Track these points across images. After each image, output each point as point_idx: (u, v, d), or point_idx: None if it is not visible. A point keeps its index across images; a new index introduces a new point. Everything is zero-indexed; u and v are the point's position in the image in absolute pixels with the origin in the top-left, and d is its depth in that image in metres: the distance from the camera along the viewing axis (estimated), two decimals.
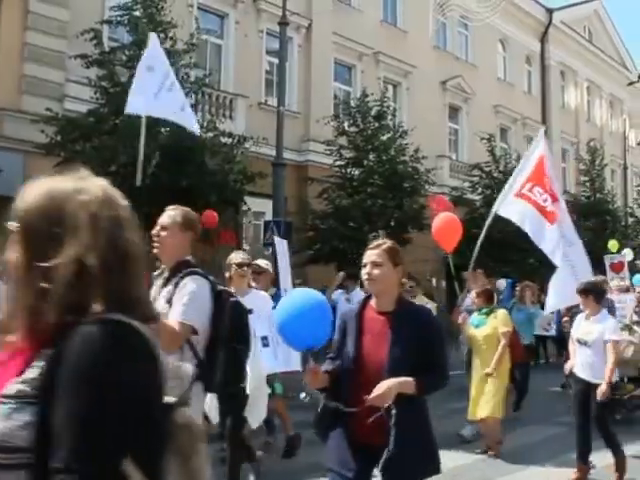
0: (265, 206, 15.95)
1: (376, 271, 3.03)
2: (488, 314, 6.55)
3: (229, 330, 3.32)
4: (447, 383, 3.08)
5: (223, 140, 12.15)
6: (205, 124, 12.12)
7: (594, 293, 5.67)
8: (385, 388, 2.81)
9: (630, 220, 25.28)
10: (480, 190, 19.30)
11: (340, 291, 10.54)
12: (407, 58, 20.96)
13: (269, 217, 14.14)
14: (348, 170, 15.43)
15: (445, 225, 8.34)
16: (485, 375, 6.36)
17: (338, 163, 15.45)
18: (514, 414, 8.39)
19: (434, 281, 19.14)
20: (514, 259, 17.34)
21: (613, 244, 15.22)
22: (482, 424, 6.57)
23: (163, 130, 11.32)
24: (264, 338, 5.65)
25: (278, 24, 14.01)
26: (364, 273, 3.07)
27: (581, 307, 6.07)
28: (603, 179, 23.98)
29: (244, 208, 13.66)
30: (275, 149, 13.53)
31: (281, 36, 13.97)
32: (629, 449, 6.76)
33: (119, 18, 11.66)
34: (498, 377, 6.38)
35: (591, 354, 5.62)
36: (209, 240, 13.32)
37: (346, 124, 15.80)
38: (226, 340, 3.43)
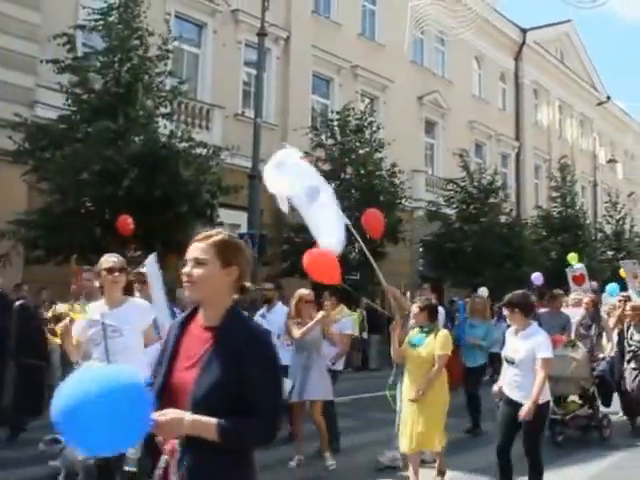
0: (240, 218, 15.68)
1: (197, 271, 2.21)
2: (428, 333, 5.72)
3: (16, 341, 2.85)
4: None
5: (198, 151, 11.87)
6: (180, 134, 11.83)
7: (521, 307, 5.13)
8: (169, 418, 2.06)
9: (599, 235, 25.65)
10: (455, 205, 19.32)
11: (263, 309, 8.44)
12: (385, 72, 20.97)
13: (244, 229, 13.86)
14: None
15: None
16: (409, 401, 5.58)
17: None
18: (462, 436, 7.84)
19: (408, 295, 19.05)
20: (486, 271, 17.34)
21: (572, 256, 14.85)
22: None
23: (137, 139, 11.04)
24: None
25: (257, 35, 13.84)
26: (182, 273, 2.26)
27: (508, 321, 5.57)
28: (574, 195, 24.29)
29: (218, 220, 13.39)
30: (251, 160, 13.29)
31: (259, 47, 13.80)
32: (585, 471, 6.62)
33: (94, 23, 11.35)
34: (435, 404, 5.59)
35: (519, 373, 5.10)
36: (179, 253, 13.05)
37: (324, 136, 15.66)
38: (14, 354, 2.88)
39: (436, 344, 5.61)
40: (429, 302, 5.87)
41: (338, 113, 16.08)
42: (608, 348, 8.61)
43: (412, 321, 6.43)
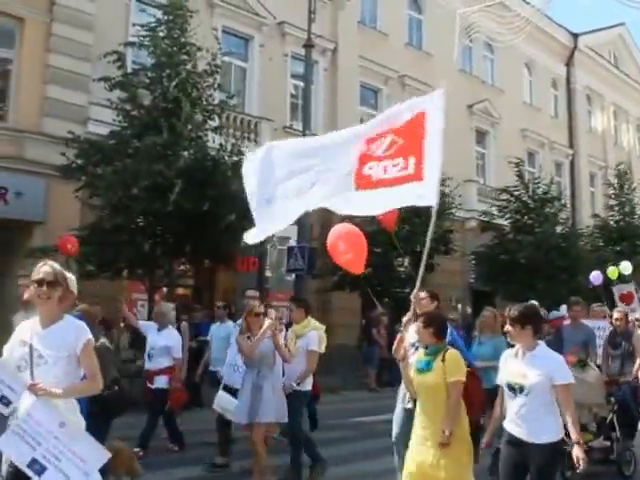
0: (289, 231, 15.57)
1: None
2: (435, 355, 4.58)
3: None
4: None
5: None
6: (229, 147, 11.82)
7: (533, 322, 4.18)
8: None
9: None
10: (509, 215, 18.80)
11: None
12: (433, 81, 20.57)
13: (293, 242, 13.75)
14: None
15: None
16: (440, 445, 4.41)
17: None
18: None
19: (459, 307, 18.61)
20: (539, 284, 16.73)
21: (613, 271, 13.85)
22: None
23: (185, 153, 11.06)
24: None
25: (303, 47, 13.80)
26: None
27: (509, 340, 4.54)
28: (634, 203, 23.37)
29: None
30: None
31: (306, 59, 13.74)
32: None
33: (142, 40, 11.47)
34: (456, 444, 4.44)
35: (528, 403, 4.10)
36: (229, 267, 13.03)
37: None
38: None
39: (447, 368, 4.53)
40: (436, 316, 4.82)
41: None
42: (635, 368, 7.42)
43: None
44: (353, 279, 14.42)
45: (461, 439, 4.49)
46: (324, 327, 6.92)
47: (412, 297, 4.80)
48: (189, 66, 11.35)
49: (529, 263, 17.10)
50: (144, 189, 10.60)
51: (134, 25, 11.71)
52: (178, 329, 8.46)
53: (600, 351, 8.03)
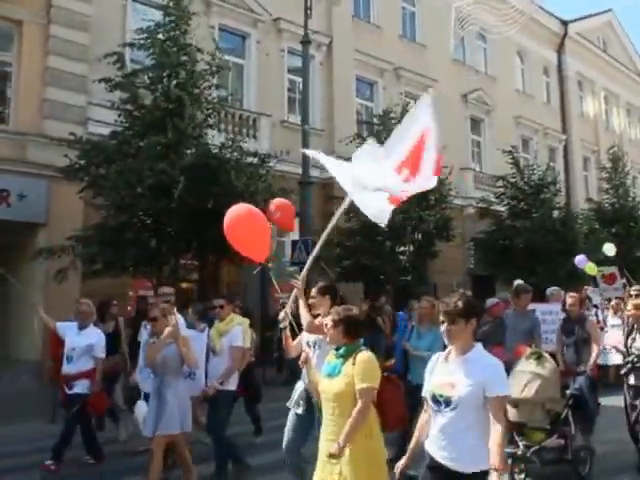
0: None
1: None
2: (345, 357, 3.97)
3: None
4: None
5: (248, 160, 11.93)
6: (230, 144, 11.92)
7: (478, 315, 3.48)
8: None
9: None
10: (506, 201, 18.99)
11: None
12: (427, 72, 20.81)
13: (293, 235, 13.87)
14: None
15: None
16: (329, 457, 3.76)
17: None
18: None
19: (460, 292, 18.81)
20: (538, 267, 16.90)
21: (590, 267, 13.22)
22: None
23: (188, 152, 11.15)
24: None
25: (300, 43, 13.90)
26: None
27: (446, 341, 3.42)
28: (627, 186, 23.62)
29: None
30: (301, 167, 13.31)
31: (304, 54, 13.83)
32: None
33: (142, 42, 11.53)
34: (365, 458, 3.77)
35: (454, 421, 3.24)
36: (233, 261, 13.13)
37: (369, 141, 15.57)
38: None
39: (356, 372, 3.84)
40: (348, 313, 4.10)
41: (380, 117, 15.98)
42: (592, 358, 6.80)
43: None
44: (356, 270, 14.59)
45: (371, 452, 3.81)
46: (248, 321, 6.61)
47: (296, 283, 4.84)
48: (189, 66, 11.42)
49: (527, 247, 17.30)
50: (148, 188, 10.69)
51: (136, 30, 11.71)
52: None
53: (552, 338, 7.60)
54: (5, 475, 6.44)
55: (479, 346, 3.38)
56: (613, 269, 13.17)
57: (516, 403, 5.58)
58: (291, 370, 11.20)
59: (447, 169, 15.50)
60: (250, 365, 7.56)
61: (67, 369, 6.83)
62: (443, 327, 3.33)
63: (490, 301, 8.55)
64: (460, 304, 3.29)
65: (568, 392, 6.04)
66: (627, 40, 34.13)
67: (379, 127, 15.58)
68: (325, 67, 18.17)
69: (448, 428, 3.24)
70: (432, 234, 15.04)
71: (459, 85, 22.26)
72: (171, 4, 11.53)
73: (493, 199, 19.29)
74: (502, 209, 19.09)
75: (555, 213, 19.19)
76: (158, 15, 11.95)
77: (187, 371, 5.88)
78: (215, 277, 15.62)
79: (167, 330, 5.61)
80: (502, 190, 19.17)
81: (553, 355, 6.67)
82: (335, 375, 3.94)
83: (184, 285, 15.43)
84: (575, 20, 29.12)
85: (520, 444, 5.59)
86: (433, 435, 3.33)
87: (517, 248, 17.48)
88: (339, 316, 4.06)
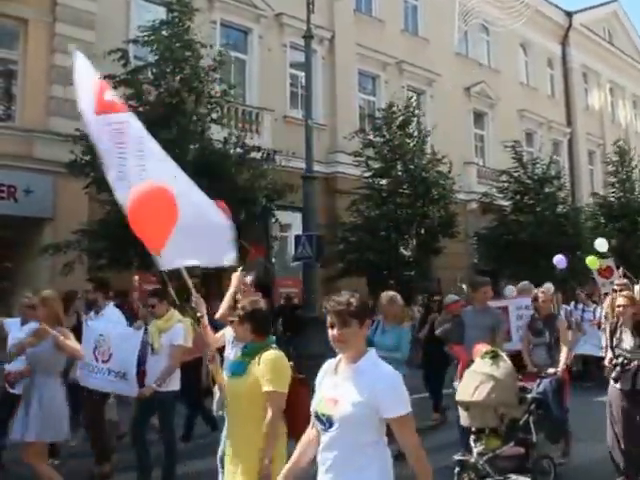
0: (293, 219, 15.85)
1: None
2: (252, 356, 3.65)
3: None
4: None
5: (252, 155, 12.04)
6: (234, 139, 12.03)
7: (369, 316, 2.87)
8: None
9: None
10: (510, 196, 18.99)
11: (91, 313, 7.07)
12: (430, 66, 20.82)
13: (296, 230, 13.99)
14: (376, 181, 15.26)
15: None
16: (260, 477, 3.43)
17: (366, 174, 15.29)
18: None
19: (465, 288, 18.90)
20: (542, 262, 16.90)
21: (591, 261, 12.63)
22: None
23: (192, 147, 11.26)
24: None
25: (303, 37, 13.95)
26: None
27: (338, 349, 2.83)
28: (634, 180, 23.47)
29: (272, 221, 13.56)
30: (304, 162, 13.41)
31: (306, 49, 13.89)
32: None
33: (146, 38, 11.64)
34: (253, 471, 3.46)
35: (337, 444, 2.70)
36: (239, 257, 13.24)
37: (372, 135, 15.65)
38: None
39: (261, 372, 3.51)
40: (255, 307, 3.70)
41: (383, 110, 16.04)
42: (561, 360, 6.30)
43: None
44: (359, 265, 14.69)
45: (274, 462, 3.45)
46: (190, 320, 6.11)
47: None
48: (193, 61, 11.52)
49: (531, 242, 17.32)
50: None
51: (139, 27, 11.82)
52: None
53: (515, 337, 7.17)
54: None
55: (372, 353, 2.79)
56: (610, 262, 12.95)
57: (467, 406, 5.17)
58: None
59: (448, 164, 15.60)
60: (192, 364, 6.83)
61: (8, 367, 6.10)
62: (332, 332, 2.73)
63: (450, 298, 8.08)
64: (354, 303, 2.73)
65: (529, 396, 5.41)
66: (633, 31, 33.84)
67: (381, 121, 15.66)
68: (327, 62, 18.22)
69: (331, 452, 2.71)
70: (436, 230, 15.11)
71: (462, 78, 22.24)
72: (174, 0, 11.63)
73: (496, 194, 19.31)
74: (506, 204, 19.10)
75: (559, 208, 19.19)
76: (162, 12, 12.06)
77: (115, 370, 5.72)
78: (218, 273, 15.77)
79: (31, 337, 5.14)
80: (505, 185, 19.17)
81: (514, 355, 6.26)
82: (239, 374, 3.64)
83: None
84: (580, 11, 28.88)
85: (474, 451, 5.11)
86: (318, 459, 2.82)
87: (520, 243, 17.50)
88: (245, 311, 3.69)
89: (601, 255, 12.65)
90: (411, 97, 18.28)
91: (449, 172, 15.60)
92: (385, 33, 19.86)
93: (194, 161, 10.90)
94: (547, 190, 18.83)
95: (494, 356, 5.30)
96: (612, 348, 5.65)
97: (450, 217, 15.25)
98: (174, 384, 5.88)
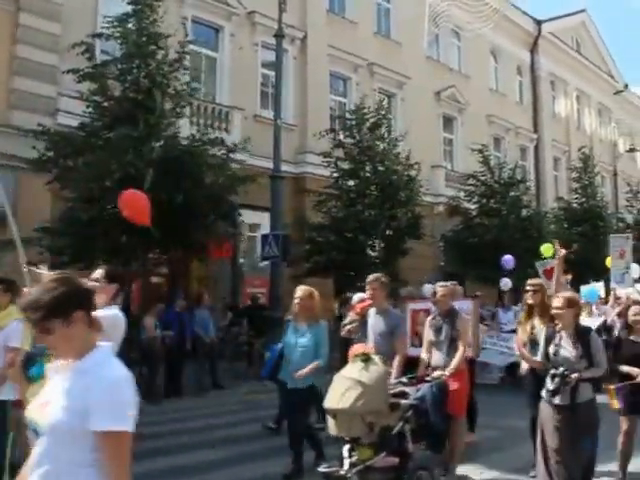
0: (261, 219, 15.78)
1: None
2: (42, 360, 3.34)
3: None
4: None
5: (218, 152, 11.92)
6: (199, 136, 11.91)
7: (71, 305, 2.18)
8: None
9: (620, 225, 25.28)
10: (476, 199, 19.21)
11: None
12: (401, 69, 20.92)
13: (265, 229, 13.92)
14: (344, 182, 15.26)
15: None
16: None
17: (335, 175, 15.28)
18: None
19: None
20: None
21: (546, 248, 12.73)
22: None
23: (157, 144, 11.11)
24: None
25: (274, 36, 13.88)
26: None
27: None
28: (595, 186, 24.04)
29: (239, 220, 13.47)
30: (272, 162, 13.33)
31: (277, 48, 13.82)
32: None
33: (112, 31, 11.44)
34: None
35: (47, 457, 2.17)
36: (200, 256, 13.16)
37: (342, 136, 15.65)
38: None
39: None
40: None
41: (354, 112, 16.07)
42: (453, 362, 5.83)
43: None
44: (326, 265, 14.66)
45: None
46: None
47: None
48: (159, 56, 11.35)
49: (495, 245, 17.53)
50: (117, 181, 10.64)
51: (105, 18, 11.61)
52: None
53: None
54: None
55: (104, 349, 2.23)
56: (554, 263, 13.05)
57: (334, 414, 4.64)
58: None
59: (416, 166, 15.68)
60: None
61: None
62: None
63: (357, 296, 7.41)
64: (44, 299, 2.11)
65: (405, 402, 4.90)
66: (600, 41, 34.60)
67: (352, 122, 15.65)
68: (299, 62, 18.15)
69: (41, 467, 2.15)
70: (403, 231, 15.17)
71: (433, 83, 22.42)
72: None
73: (463, 197, 19.52)
74: (472, 207, 19.32)
75: (524, 211, 19.48)
76: (128, 5, 11.84)
77: None
78: (185, 272, 15.64)
79: None
80: (472, 188, 19.40)
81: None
82: (36, 378, 3.16)
83: (155, 280, 15.44)
84: (549, 20, 29.39)
85: (345, 462, 4.63)
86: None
87: (486, 245, 17.72)
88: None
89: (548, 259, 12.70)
90: (382, 99, 18.32)
91: (417, 175, 15.67)
92: (357, 35, 19.87)
93: (160, 158, 10.76)
94: (512, 194, 19.11)
95: (366, 359, 4.81)
96: (548, 356, 4.86)
97: (416, 219, 15.32)
98: (7, 393, 5.06)
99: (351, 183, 15.23)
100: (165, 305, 12.56)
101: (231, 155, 12.14)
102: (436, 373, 5.61)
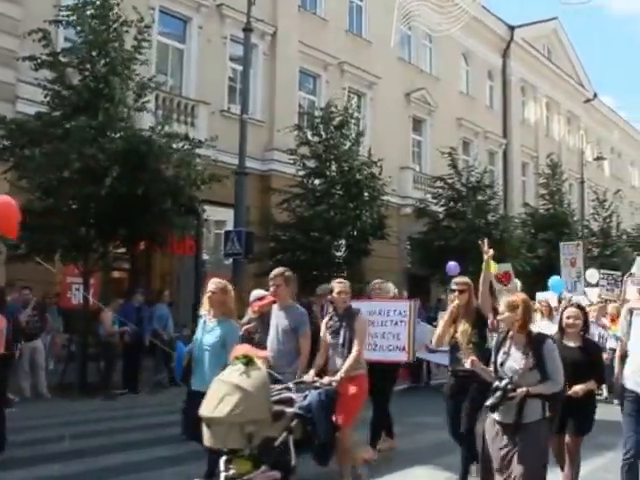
0: (226, 215, 15.56)
1: None
2: None
3: None
4: None
5: (179, 145, 11.72)
6: (160, 127, 11.68)
7: None
8: None
9: (585, 232, 25.63)
10: (443, 202, 19.25)
11: None
12: (372, 69, 20.86)
13: (230, 226, 13.74)
14: (310, 180, 15.13)
15: None
16: None
17: (301, 173, 15.14)
18: None
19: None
20: (471, 268, 17.14)
21: (492, 266, 13.07)
22: None
23: (117, 136, 10.89)
24: None
25: (242, 30, 13.67)
26: None
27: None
28: (563, 193, 24.32)
29: (203, 215, 13.28)
30: (238, 157, 13.15)
31: (245, 43, 13.63)
32: None
33: (69, 18, 11.16)
34: None
35: None
36: (162, 249, 12.94)
37: (309, 134, 15.51)
38: None
39: None
40: None
41: (321, 110, 15.96)
42: (344, 366, 5.42)
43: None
44: (290, 263, 14.51)
45: None
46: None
47: None
48: (117, 44, 11.10)
49: (461, 248, 17.56)
50: (76, 172, 10.39)
51: (63, 6, 11.32)
52: None
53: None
54: None
55: None
56: (507, 267, 13.08)
57: (208, 422, 4.18)
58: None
59: (379, 164, 15.56)
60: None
61: None
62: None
63: (255, 293, 6.71)
64: None
65: (290, 411, 4.45)
66: (571, 49, 35.04)
67: (319, 120, 15.52)
68: (268, 57, 17.93)
69: None
70: (366, 231, 15.08)
71: (403, 84, 22.39)
72: None
73: (431, 199, 19.54)
74: (439, 210, 19.35)
75: (490, 215, 19.57)
76: None
77: None
78: (147, 267, 15.38)
79: None
80: (440, 191, 19.43)
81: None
82: None
83: (117, 275, 15.15)
84: (522, 26, 29.57)
85: (222, 475, 4.22)
86: None
87: (452, 248, 17.74)
88: None
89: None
90: (352, 98, 18.22)
91: (380, 172, 15.59)
92: (328, 32, 19.73)
93: (121, 150, 10.53)
94: (479, 198, 19.19)
95: (247, 362, 4.29)
96: (495, 366, 4.32)
97: (381, 219, 15.25)
98: None
99: (317, 182, 15.11)
100: (124, 300, 12.33)
101: (197, 151, 11.94)
102: (326, 379, 5.13)
